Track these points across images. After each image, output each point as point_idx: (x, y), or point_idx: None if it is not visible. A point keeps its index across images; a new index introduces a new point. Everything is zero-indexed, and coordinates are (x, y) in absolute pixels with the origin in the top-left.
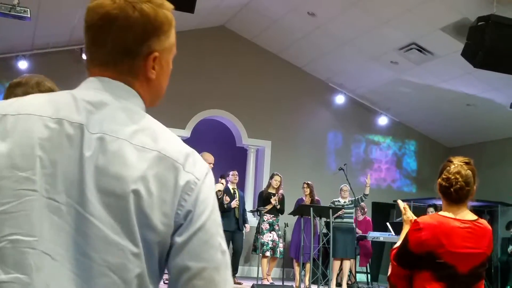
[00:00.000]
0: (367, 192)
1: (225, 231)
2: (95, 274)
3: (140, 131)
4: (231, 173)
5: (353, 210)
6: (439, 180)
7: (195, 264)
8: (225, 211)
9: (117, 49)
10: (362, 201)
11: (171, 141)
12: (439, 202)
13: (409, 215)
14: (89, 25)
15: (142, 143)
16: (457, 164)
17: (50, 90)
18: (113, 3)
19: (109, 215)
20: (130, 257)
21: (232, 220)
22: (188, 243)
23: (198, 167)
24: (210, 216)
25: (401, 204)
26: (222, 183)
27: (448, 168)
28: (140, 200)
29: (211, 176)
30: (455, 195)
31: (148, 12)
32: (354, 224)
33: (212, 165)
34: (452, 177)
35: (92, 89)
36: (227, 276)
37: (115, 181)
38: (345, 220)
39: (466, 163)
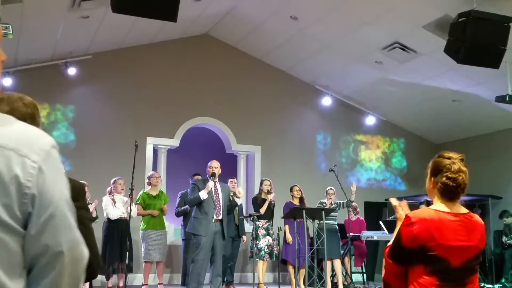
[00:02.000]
0: (352, 199)
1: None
2: None
3: None
4: (229, 180)
5: (337, 213)
6: (444, 179)
7: (53, 249)
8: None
9: None
10: (348, 206)
11: (9, 130)
12: (431, 199)
13: (401, 212)
14: None
15: None
16: (457, 161)
17: (33, 103)
18: None
19: None
20: None
21: (232, 226)
22: (43, 232)
23: (36, 148)
24: (60, 197)
25: (394, 202)
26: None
27: (448, 166)
28: None
29: (52, 154)
30: (460, 194)
31: None
32: (337, 226)
33: (216, 169)
34: (460, 177)
35: None
36: (83, 252)
37: None
38: (329, 222)
39: (462, 160)
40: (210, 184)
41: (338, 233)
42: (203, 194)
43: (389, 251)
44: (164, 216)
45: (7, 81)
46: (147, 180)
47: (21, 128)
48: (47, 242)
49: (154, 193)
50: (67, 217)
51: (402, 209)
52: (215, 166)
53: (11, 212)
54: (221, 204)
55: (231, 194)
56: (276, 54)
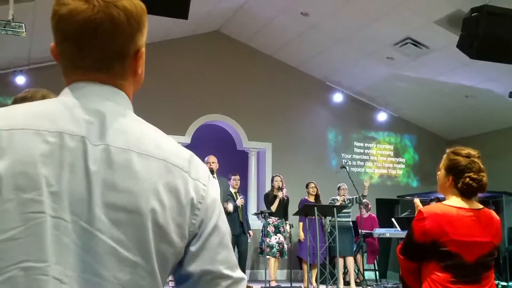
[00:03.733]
0: (365, 193)
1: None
2: None
3: (141, 138)
4: (232, 177)
5: (350, 210)
6: (467, 180)
7: (213, 267)
8: (229, 214)
9: (107, 55)
10: (361, 201)
11: (171, 146)
12: (442, 195)
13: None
14: (67, 35)
15: (146, 151)
16: (476, 159)
17: None
18: (92, 7)
19: (119, 231)
20: (143, 273)
21: (237, 223)
22: (203, 249)
23: (202, 172)
24: (219, 217)
25: (417, 202)
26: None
27: (469, 165)
28: (155, 214)
29: (212, 178)
30: (481, 192)
31: (131, 9)
32: (351, 223)
33: (213, 165)
34: (484, 179)
35: (85, 96)
36: (241, 274)
37: (124, 196)
38: (343, 219)
39: (479, 157)
40: None
41: (352, 230)
42: None
43: (401, 247)
44: None
45: (21, 80)
46: None
47: (178, 146)
48: (206, 259)
49: None
50: (226, 237)
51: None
52: (212, 161)
53: (182, 231)
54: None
55: (234, 191)
56: (287, 50)
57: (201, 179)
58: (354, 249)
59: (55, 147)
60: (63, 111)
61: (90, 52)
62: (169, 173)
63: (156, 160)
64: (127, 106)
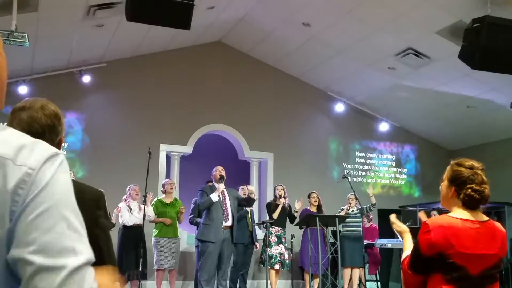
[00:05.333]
0: (373, 201)
1: (239, 243)
2: None
3: None
4: (240, 187)
5: (360, 219)
6: (469, 191)
7: (17, 252)
8: (239, 220)
9: None
10: (371, 210)
11: (4, 137)
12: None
13: (399, 224)
14: None
15: None
16: (479, 171)
17: (54, 113)
18: None
19: None
20: None
21: (246, 233)
22: (15, 231)
23: (35, 155)
24: (43, 190)
25: (392, 218)
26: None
27: (472, 177)
28: None
29: (54, 162)
30: (483, 204)
31: None
32: (362, 233)
33: (223, 172)
34: (486, 190)
35: None
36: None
37: None
38: (352, 228)
39: (483, 169)
40: (221, 186)
41: (363, 241)
42: (214, 196)
43: (408, 261)
44: (178, 224)
45: (23, 89)
46: (161, 188)
47: (13, 136)
48: (27, 246)
49: (168, 201)
50: (58, 225)
51: (398, 225)
52: (221, 169)
53: (2, 222)
54: (229, 209)
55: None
56: (288, 60)
57: (29, 164)
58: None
59: None
60: None
61: None
62: None
63: None
64: None
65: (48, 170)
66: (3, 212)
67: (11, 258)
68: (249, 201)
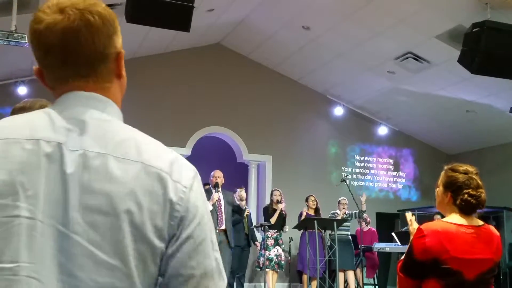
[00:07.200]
0: (363, 209)
1: (236, 246)
2: None
3: (122, 143)
4: (238, 190)
5: (350, 223)
6: (465, 196)
7: (184, 271)
8: (236, 223)
9: (90, 59)
10: (360, 216)
11: (154, 149)
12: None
13: (415, 226)
14: (49, 48)
15: (124, 154)
16: (474, 176)
17: None
18: (68, 16)
19: (95, 234)
20: (120, 276)
21: (242, 235)
22: (178, 251)
23: (185, 174)
24: (200, 222)
25: (408, 216)
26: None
27: (467, 182)
28: (132, 216)
29: (198, 180)
30: (479, 208)
31: (104, 14)
32: (350, 236)
33: (219, 179)
34: (482, 195)
35: (70, 106)
36: (219, 284)
37: (101, 198)
38: (342, 232)
39: (477, 173)
40: (215, 196)
41: (352, 244)
42: (208, 206)
43: (401, 265)
44: None
45: (22, 90)
46: None
47: (163, 149)
48: (180, 262)
49: None
50: (204, 243)
51: (414, 227)
52: (218, 176)
53: (160, 232)
54: (223, 214)
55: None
56: (288, 63)
57: (183, 181)
58: (355, 262)
59: (31, 154)
60: (46, 120)
61: (74, 60)
62: (148, 175)
63: (134, 163)
64: (111, 112)
65: (197, 190)
66: (162, 224)
67: (174, 275)
68: (239, 212)
